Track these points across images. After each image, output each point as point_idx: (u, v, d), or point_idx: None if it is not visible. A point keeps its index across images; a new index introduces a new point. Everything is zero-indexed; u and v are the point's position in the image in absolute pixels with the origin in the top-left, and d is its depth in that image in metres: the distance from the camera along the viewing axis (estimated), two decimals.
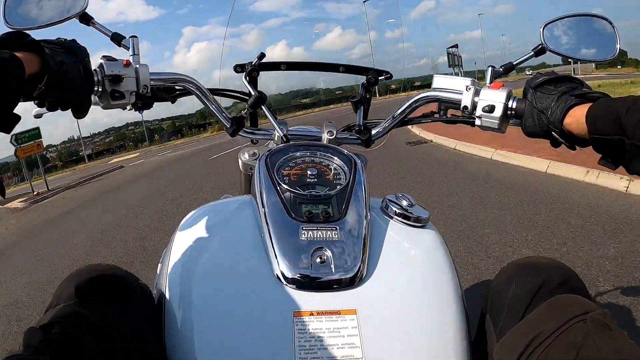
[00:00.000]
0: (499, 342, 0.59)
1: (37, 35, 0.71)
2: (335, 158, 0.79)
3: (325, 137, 0.89)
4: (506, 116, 0.77)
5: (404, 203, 0.73)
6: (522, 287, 0.61)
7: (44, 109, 0.71)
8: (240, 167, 0.93)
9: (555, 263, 0.65)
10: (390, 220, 0.71)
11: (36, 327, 0.50)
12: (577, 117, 0.65)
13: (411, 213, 0.71)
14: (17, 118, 0.63)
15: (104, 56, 0.76)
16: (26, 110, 0.75)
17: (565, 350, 0.50)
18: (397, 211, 0.71)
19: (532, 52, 0.86)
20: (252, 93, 0.92)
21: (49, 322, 0.50)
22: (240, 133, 0.93)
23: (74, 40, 0.72)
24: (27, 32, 0.67)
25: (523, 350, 0.53)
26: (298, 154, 0.79)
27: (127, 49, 0.81)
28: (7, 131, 0.64)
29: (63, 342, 0.48)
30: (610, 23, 0.85)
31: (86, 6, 0.81)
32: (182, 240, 0.68)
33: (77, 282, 0.58)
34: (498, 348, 0.58)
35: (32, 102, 0.68)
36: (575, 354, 0.49)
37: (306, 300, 0.57)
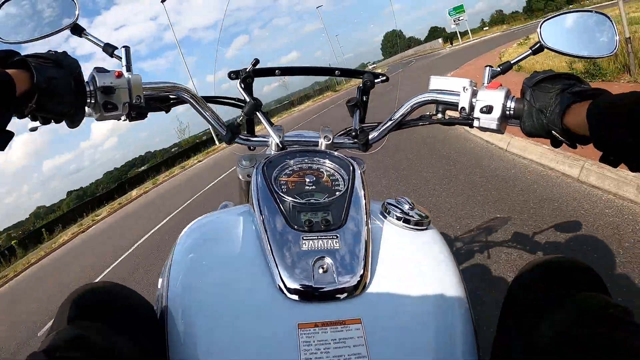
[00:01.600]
0: (523, 342, 0.58)
1: (30, 48, 0.71)
2: (333, 164, 0.78)
3: (322, 142, 0.88)
4: (505, 116, 0.76)
5: (405, 206, 0.71)
6: (544, 287, 0.61)
7: (38, 122, 0.71)
8: (239, 174, 0.92)
9: (575, 262, 0.65)
10: (391, 224, 0.70)
11: (39, 352, 0.49)
12: (576, 115, 0.64)
13: (412, 216, 0.70)
14: (11, 135, 0.63)
15: (95, 68, 0.75)
16: (20, 123, 0.75)
17: (589, 349, 0.50)
18: (398, 215, 0.70)
19: (530, 51, 0.85)
20: (247, 100, 0.91)
21: (52, 346, 0.50)
22: (236, 140, 0.92)
23: (64, 53, 0.72)
24: (21, 44, 0.67)
25: (548, 351, 0.53)
26: (295, 161, 0.79)
27: (120, 59, 0.80)
28: (2, 149, 0.64)
29: None
30: (608, 18, 0.84)
31: (77, 18, 0.81)
32: (182, 254, 0.68)
33: (78, 303, 0.57)
34: (522, 349, 0.57)
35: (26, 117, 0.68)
36: (599, 352, 0.49)
37: (310, 311, 0.56)
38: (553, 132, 0.69)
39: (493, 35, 43.11)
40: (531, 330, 0.59)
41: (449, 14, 50.68)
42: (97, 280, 0.71)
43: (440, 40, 65.21)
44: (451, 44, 53.01)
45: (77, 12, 0.83)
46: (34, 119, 0.70)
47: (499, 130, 0.76)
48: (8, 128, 0.63)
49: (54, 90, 0.66)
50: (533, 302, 0.61)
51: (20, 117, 0.66)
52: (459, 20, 49.56)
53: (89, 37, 0.84)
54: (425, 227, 0.71)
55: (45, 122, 0.71)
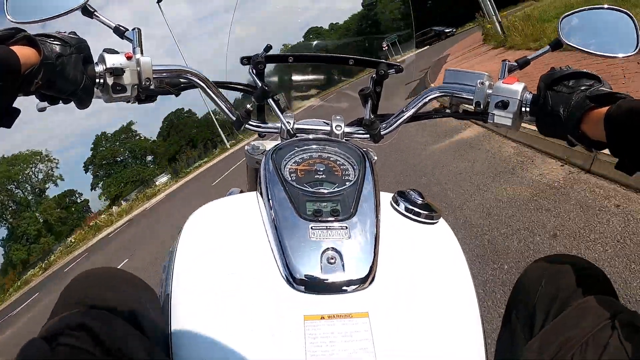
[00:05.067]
0: (528, 342, 0.58)
1: (39, 29, 0.70)
2: (344, 153, 0.77)
3: (333, 131, 0.87)
4: (520, 113, 0.74)
5: (415, 199, 0.71)
6: (551, 287, 0.61)
7: (46, 102, 0.71)
8: (247, 160, 0.91)
9: (583, 262, 0.65)
10: (401, 217, 0.70)
11: (38, 339, 0.49)
12: (594, 121, 0.63)
13: (422, 209, 0.69)
14: (17, 112, 0.63)
15: (105, 49, 0.74)
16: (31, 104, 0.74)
17: (595, 353, 0.50)
18: (408, 207, 0.70)
19: (549, 47, 0.83)
20: (259, 86, 0.90)
21: (52, 333, 0.49)
22: (246, 127, 0.91)
23: (73, 33, 0.71)
24: (30, 25, 0.66)
25: (554, 353, 0.53)
26: (305, 149, 0.78)
27: (130, 41, 0.79)
28: (8, 126, 0.64)
29: (66, 354, 0.47)
30: (630, 17, 0.82)
31: None
32: (188, 240, 0.67)
33: (80, 289, 0.57)
34: (528, 349, 0.57)
35: (34, 96, 0.68)
36: (605, 357, 0.49)
37: (316, 303, 0.55)
38: (569, 135, 0.68)
39: None
40: (536, 330, 0.59)
41: None
42: (100, 267, 0.72)
43: None
44: None
45: None
46: (42, 98, 0.70)
47: (514, 126, 0.75)
48: (16, 106, 0.63)
49: (62, 69, 0.65)
50: (540, 303, 0.61)
51: (26, 94, 0.65)
52: None
53: (100, 18, 0.83)
54: (435, 221, 0.70)
55: (53, 101, 0.71)
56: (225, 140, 31.93)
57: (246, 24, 1.14)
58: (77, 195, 47.89)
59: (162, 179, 40.48)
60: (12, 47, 0.60)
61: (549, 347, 0.54)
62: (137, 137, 51.66)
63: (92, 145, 49.15)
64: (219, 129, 30.82)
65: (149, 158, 51.62)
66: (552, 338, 0.55)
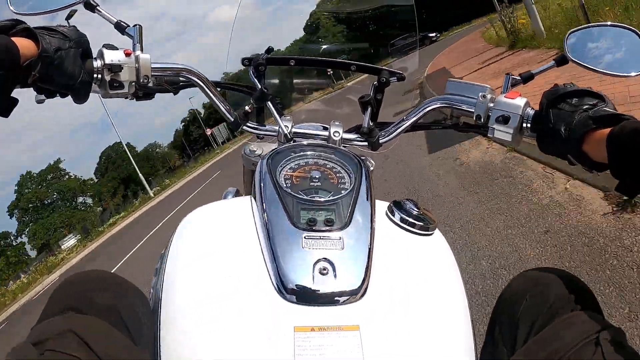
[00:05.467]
0: (511, 357, 0.58)
1: (40, 22, 0.70)
2: (341, 160, 0.76)
3: (331, 137, 0.87)
4: (521, 129, 0.73)
5: (411, 209, 0.70)
6: (535, 300, 0.60)
7: (44, 95, 0.71)
8: (244, 162, 0.91)
9: (567, 275, 0.64)
10: (396, 227, 0.69)
11: (26, 343, 0.48)
12: (596, 141, 0.62)
13: (417, 220, 0.69)
14: (15, 102, 0.64)
15: (105, 44, 0.74)
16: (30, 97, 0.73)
17: None
18: (403, 218, 0.69)
19: (554, 62, 0.82)
20: (258, 88, 0.89)
21: (40, 338, 0.49)
22: (244, 128, 0.90)
23: (74, 27, 0.71)
24: (32, 17, 0.66)
25: None
26: (302, 154, 0.77)
27: (131, 37, 0.79)
28: (6, 115, 0.65)
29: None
30: (638, 35, 0.81)
31: None
32: (179, 246, 0.66)
33: (69, 292, 0.57)
34: None
35: (32, 88, 0.68)
36: None
37: (307, 314, 0.55)
38: (569, 155, 0.67)
39: None
40: (519, 344, 0.58)
41: None
42: (90, 269, 0.72)
43: None
44: None
45: None
46: (39, 91, 0.69)
47: (514, 142, 0.74)
48: (14, 95, 0.64)
49: (60, 62, 0.65)
50: (524, 317, 0.60)
51: (24, 86, 0.65)
52: None
53: (102, 13, 0.83)
54: (430, 232, 0.69)
55: (50, 95, 0.71)
56: (149, 188, 26.22)
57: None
58: (11, 238, 43.30)
59: (70, 241, 33.36)
60: (12, 38, 0.60)
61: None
62: (67, 177, 47.49)
63: (17, 187, 44.50)
64: (141, 177, 25.86)
65: (80, 200, 47.65)
66: (535, 352, 0.54)
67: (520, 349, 0.57)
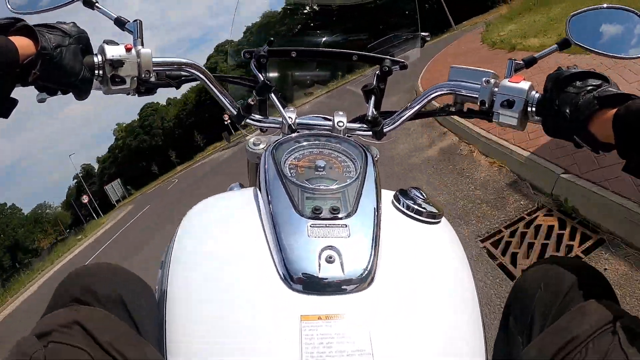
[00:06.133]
0: (526, 347, 0.57)
1: (39, 20, 0.70)
2: (346, 149, 0.76)
3: (335, 127, 0.86)
4: (526, 113, 0.73)
5: (417, 198, 0.69)
6: (550, 290, 0.60)
7: (45, 93, 0.71)
8: (247, 156, 0.90)
9: (582, 265, 0.64)
10: (402, 216, 0.68)
11: (31, 336, 0.48)
12: (602, 123, 0.62)
13: (424, 208, 0.68)
14: (14, 102, 0.64)
15: (105, 40, 0.74)
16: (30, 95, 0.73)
17: (596, 358, 0.49)
18: (410, 206, 0.68)
19: (556, 46, 0.82)
20: (260, 80, 0.89)
21: (45, 330, 0.49)
22: (247, 121, 0.90)
23: (73, 24, 0.70)
24: (31, 16, 0.66)
25: (553, 357, 0.52)
26: (306, 144, 0.76)
27: (131, 33, 0.79)
28: (5, 116, 0.64)
29: (59, 352, 0.47)
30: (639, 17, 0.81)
31: None
32: (185, 236, 0.66)
33: (75, 285, 0.57)
34: (526, 353, 0.56)
35: (33, 87, 0.67)
36: None
37: (314, 303, 0.54)
38: (575, 137, 0.66)
39: None
40: (535, 333, 0.58)
41: None
42: (96, 262, 0.71)
43: None
44: None
45: None
46: (40, 89, 0.69)
47: (519, 126, 0.74)
48: (13, 96, 0.63)
49: (60, 59, 0.65)
50: (539, 307, 0.60)
51: (24, 84, 0.65)
52: None
53: (101, 9, 0.83)
54: (437, 220, 0.69)
55: (52, 92, 0.71)
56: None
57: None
58: None
59: None
60: (10, 37, 0.60)
61: (548, 350, 0.53)
62: None
63: None
64: None
65: None
66: (551, 342, 0.54)
67: (535, 338, 0.57)
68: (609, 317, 0.53)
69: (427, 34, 1.04)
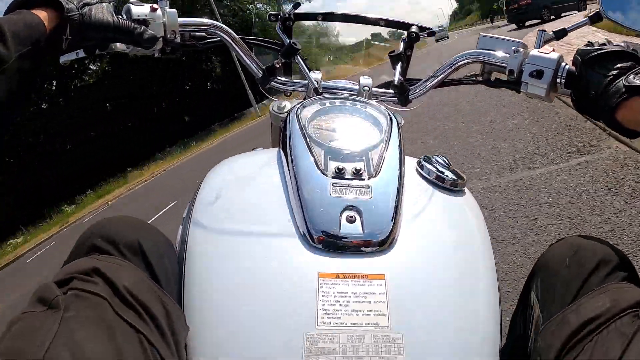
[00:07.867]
0: (545, 323, 0.57)
1: None
2: (371, 113, 0.75)
3: (361, 91, 0.86)
4: (554, 84, 0.72)
5: (440, 165, 0.70)
6: (574, 268, 0.59)
7: (68, 55, 0.73)
8: (272, 119, 0.91)
9: (608, 245, 0.62)
10: (425, 182, 0.68)
11: (51, 283, 0.49)
12: (630, 111, 0.61)
13: (447, 176, 0.68)
14: (30, 100, 0.65)
15: (131, 1, 0.74)
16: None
17: (614, 341, 0.48)
18: (433, 172, 0.68)
19: (588, 19, 0.80)
20: (286, 43, 0.89)
21: (65, 277, 0.49)
22: (272, 84, 0.90)
23: None
24: None
25: (570, 335, 0.52)
26: (331, 107, 0.76)
27: None
28: (19, 114, 0.65)
29: (79, 298, 0.47)
30: None
31: None
32: (207, 195, 0.66)
33: (96, 235, 0.57)
34: (544, 329, 0.56)
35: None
36: (624, 346, 0.47)
37: (332, 261, 0.55)
38: (602, 120, 0.66)
39: None
40: (555, 310, 0.57)
41: None
42: (119, 215, 0.71)
43: None
44: None
45: None
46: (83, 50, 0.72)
47: (547, 98, 0.73)
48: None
49: (90, 16, 0.66)
50: (563, 284, 0.59)
51: (57, 55, 0.66)
52: None
53: None
54: (459, 189, 0.69)
55: (89, 51, 0.73)
56: None
57: None
58: None
59: None
60: (33, 11, 0.60)
61: (567, 328, 0.53)
62: None
63: None
64: None
65: None
66: (571, 320, 0.53)
67: (556, 315, 0.56)
68: (633, 300, 0.52)
69: (441, 27, 1.04)
